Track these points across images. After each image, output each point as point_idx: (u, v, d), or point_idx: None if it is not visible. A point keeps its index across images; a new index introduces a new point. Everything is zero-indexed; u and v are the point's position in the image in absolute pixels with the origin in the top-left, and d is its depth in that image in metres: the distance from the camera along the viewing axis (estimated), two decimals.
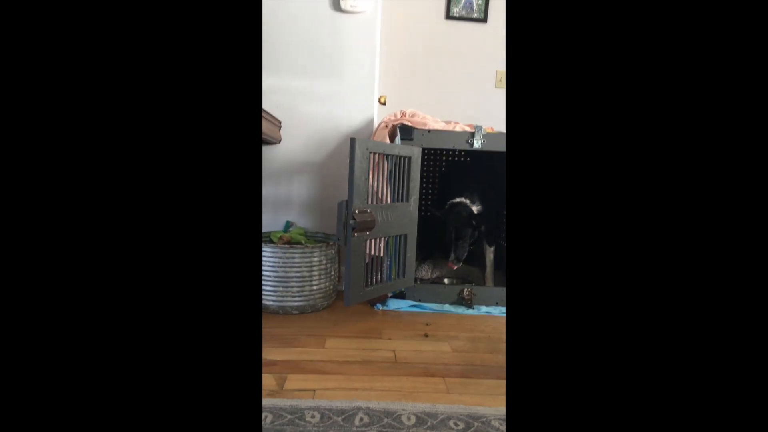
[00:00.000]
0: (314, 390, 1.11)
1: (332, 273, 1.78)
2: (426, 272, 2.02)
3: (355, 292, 1.51)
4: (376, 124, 2.00)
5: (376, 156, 1.60)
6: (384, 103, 2.13)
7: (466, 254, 1.86)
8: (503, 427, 0.96)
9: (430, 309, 1.78)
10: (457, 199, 1.89)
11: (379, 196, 1.64)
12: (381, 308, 1.76)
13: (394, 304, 1.78)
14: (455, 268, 1.85)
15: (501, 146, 1.78)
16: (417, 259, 1.91)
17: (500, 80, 2.54)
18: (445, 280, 2.00)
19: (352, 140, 1.43)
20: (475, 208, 1.86)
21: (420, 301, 1.82)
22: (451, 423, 0.97)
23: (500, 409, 1.04)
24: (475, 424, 0.97)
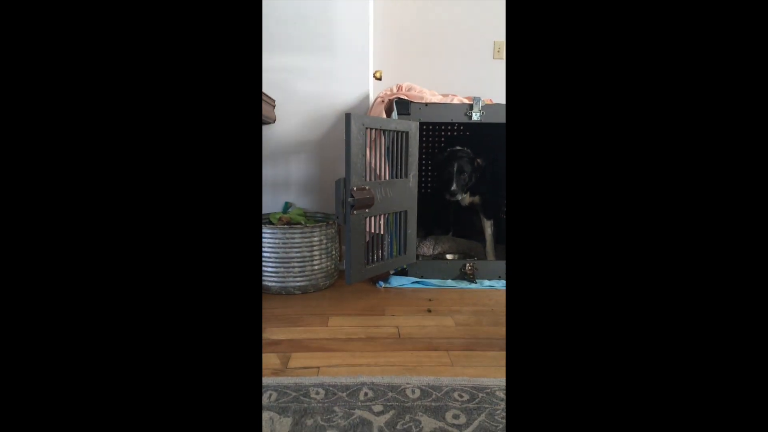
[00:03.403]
0: (318, 367, 1.11)
1: (333, 252, 1.77)
2: (428, 248, 2.02)
3: (356, 270, 1.50)
4: (372, 99, 1.96)
5: (373, 132, 1.57)
6: (380, 78, 2.08)
7: (467, 188, 1.88)
8: None
9: (433, 285, 1.78)
10: (457, 147, 1.91)
11: (378, 172, 1.62)
12: (383, 286, 1.76)
13: (397, 281, 1.78)
14: (460, 198, 1.87)
15: (500, 118, 1.75)
16: (418, 236, 1.90)
17: (498, 51, 2.48)
18: (448, 256, 1.99)
19: (348, 116, 1.40)
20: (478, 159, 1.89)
21: (422, 277, 1.82)
22: (455, 395, 0.97)
23: (504, 380, 1.04)
24: (480, 395, 0.98)
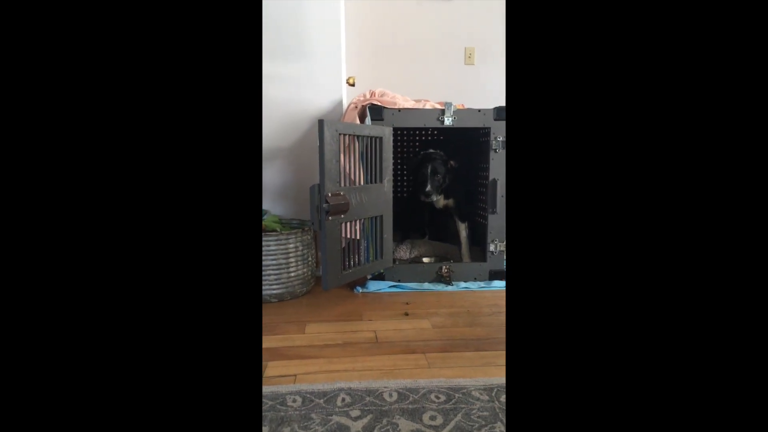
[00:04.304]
0: (295, 375, 1.10)
1: (309, 259, 1.76)
2: (404, 252, 2.03)
3: (332, 276, 1.50)
4: (345, 105, 1.97)
5: (347, 138, 1.57)
6: (353, 84, 2.09)
7: (441, 190, 1.91)
8: (484, 397, 0.98)
9: (410, 288, 1.79)
10: (430, 150, 1.94)
11: (352, 178, 1.62)
12: (361, 291, 1.76)
13: (374, 286, 1.78)
14: (435, 199, 1.91)
15: (471, 123, 1.78)
16: (395, 240, 1.91)
17: (469, 56, 2.53)
18: (424, 259, 2.01)
19: (321, 122, 1.40)
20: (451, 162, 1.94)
21: (399, 281, 1.83)
22: (432, 396, 0.98)
23: (480, 380, 1.06)
24: (456, 395, 0.99)
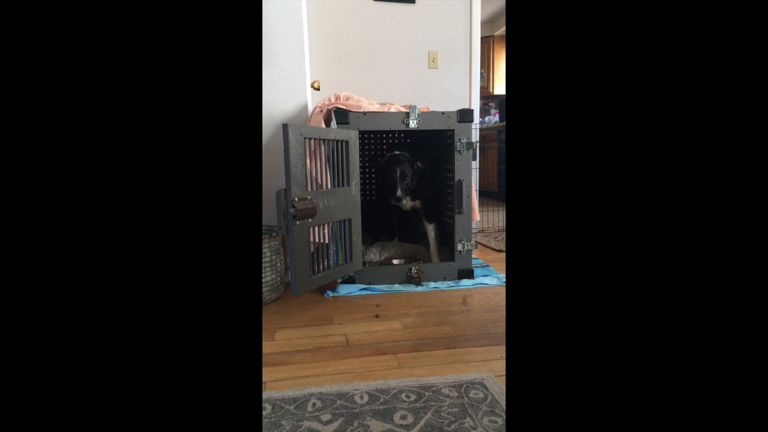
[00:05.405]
0: (265, 383, 1.09)
1: (278, 265, 1.74)
2: (374, 255, 2.03)
3: (301, 281, 1.48)
4: (310, 109, 1.96)
5: (313, 141, 1.57)
6: (318, 88, 2.09)
7: (409, 191, 1.93)
8: (453, 394, 1.00)
9: (381, 290, 1.80)
10: (396, 152, 1.95)
11: (319, 182, 1.62)
12: (331, 295, 1.75)
13: (345, 290, 1.78)
14: (405, 203, 1.92)
15: (436, 125, 1.81)
16: (365, 243, 1.91)
17: (432, 60, 2.57)
18: (394, 261, 2.02)
19: (285, 126, 1.39)
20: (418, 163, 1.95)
21: (370, 283, 1.83)
22: (403, 396, 0.99)
23: (450, 377, 1.07)
24: (427, 394, 1.00)
